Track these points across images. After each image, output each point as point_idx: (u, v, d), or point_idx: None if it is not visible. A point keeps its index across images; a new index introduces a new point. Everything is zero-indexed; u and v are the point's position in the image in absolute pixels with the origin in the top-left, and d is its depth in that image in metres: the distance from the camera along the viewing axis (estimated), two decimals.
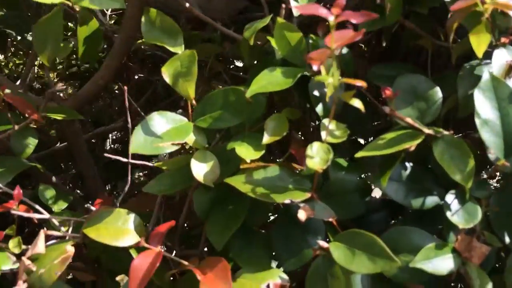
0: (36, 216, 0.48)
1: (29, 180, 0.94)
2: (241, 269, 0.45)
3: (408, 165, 0.47)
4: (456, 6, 0.43)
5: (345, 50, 0.55)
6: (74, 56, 1.19)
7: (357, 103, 0.40)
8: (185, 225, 0.67)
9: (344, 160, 0.53)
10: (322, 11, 0.36)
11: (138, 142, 0.46)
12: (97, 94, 0.76)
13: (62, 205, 0.66)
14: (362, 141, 0.63)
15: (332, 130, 0.44)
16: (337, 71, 0.39)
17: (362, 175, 0.51)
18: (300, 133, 0.63)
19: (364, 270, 0.41)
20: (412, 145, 0.43)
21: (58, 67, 1.20)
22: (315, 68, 0.35)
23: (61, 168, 1.32)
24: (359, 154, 0.43)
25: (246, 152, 0.47)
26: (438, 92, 0.48)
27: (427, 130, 0.44)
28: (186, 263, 0.43)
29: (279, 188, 0.45)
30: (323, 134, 0.44)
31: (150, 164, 0.54)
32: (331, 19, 0.36)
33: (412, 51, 0.64)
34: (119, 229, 0.48)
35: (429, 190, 0.46)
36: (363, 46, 0.70)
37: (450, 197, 0.44)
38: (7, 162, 0.61)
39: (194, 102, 0.48)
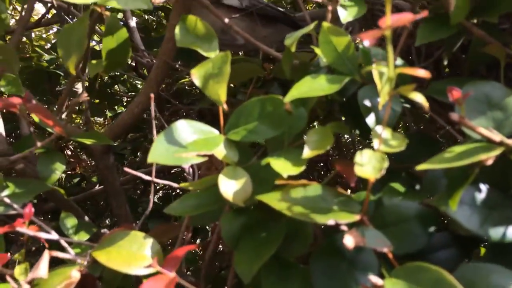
0: (43, 236, 0.43)
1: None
2: None
3: (484, 187, 0.38)
4: None
5: (399, 62, 0.48)
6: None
7: (419, 97, 0.33)
8: (217, 264, 0.60)
9: (401, 186, 0.44)
10: None
11: (158, 151, 0.40)
12: (133, 123, 0.72)
13: (83, 237, 0.61)
14: None
15: (386, 139, 0.37)
16: (392, 59, 0.32)
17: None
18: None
19: None
20: (489, 157, 0.34)
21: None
22: (366, 43, 0.29)
23: (99, 210, 1.29)
24: (421, 167, 0.35)
25: (283, 166, 0.40)
26: None
27: (508, 141, 0.35)
28: None
29: (321, 208, 0.37)
30: (376, 142, 0.36)
31: (175, 184, 0.48)
32: None
33: (480, 70, 0.56)
34: (133, 254, 0.41)
35: (511, 219, 0.37)
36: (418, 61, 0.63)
37: None
38: (28, 184, 0.57)
39: (225, 106, 0.42)
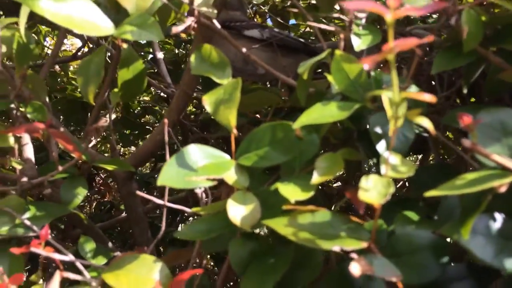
0: (57, 257, 0.43)
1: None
2: None
3: (500, 216, 0.37)
4: None
5: (414, 89, 0.48)
6: None
7: (425, 122, 0.32)
8: None
9: (415, 214, 0.43)
10: (376, 7, 0.30)
11: (169, 174, 0.41)
12: (155, 150, 0.74)
13: (101, 261, 0.61)
14: None
15: (395, 165, 0.36)
16: (398, 87, 0.32)
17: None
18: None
19: None
20: (502, 184, 0.33)
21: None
22: (366, 67, 0.29)
23: (125, 238, 1.31)
24: (431, 193, 0.34)
25: (291, 191, 0.40)
26: None
27: None
28: None
29: (328, 235, 0.36)
30: (383, 168, 0.35)
31: (187, 209, 0.48)
32: (388, 16, 0.30)
33: (504, 98, 0.55)
34: (142, 277, 0.41)
35: None
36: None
37: None
38: (48, 207, 0.59)
39: (235, 131, 0.42)
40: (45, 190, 0.74)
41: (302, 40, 0.78)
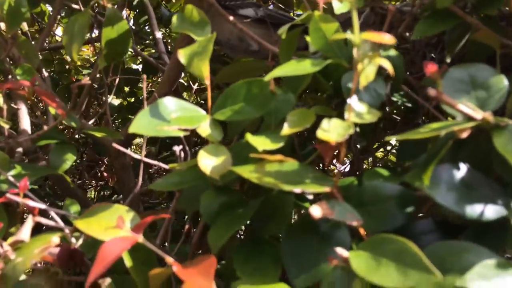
0: (31, 204, 0.44)
1: None
2: (238, 279, 0.36)
3: (464, 166, 0.37)
4: None
5: (393, 53, 0.48)
6: None
7: (385, 63, 0.32)
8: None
9: (386, 171, 0.43)
10: None
11: (141, 122, 0.41)
12: None
13: None
14: None
15: (360, 112, 0.36)
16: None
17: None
18: None
19: (390, 283, 0.30)
20: (462, 128, 0.33)
21: None
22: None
23: None
24: (389, 138, 0.34)
25: (260, 142, 0.40)
26: (503, 80, 0.38)
27: (485, 114, 0.34)
28: (168, 257, 0.35)
29: (293, 181, 0.37)
30: (346, 114, 0.36)
31: (164, 165, 0.49)
32: None
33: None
34: (113, 224, 0.42)
35: (490, 198, 0.35)
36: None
37: None
38: (35, 167, 0.60)
39: (207, 82, 0.43)
40: (40, 162, 0.76)
41: (295, 17, 0.78)
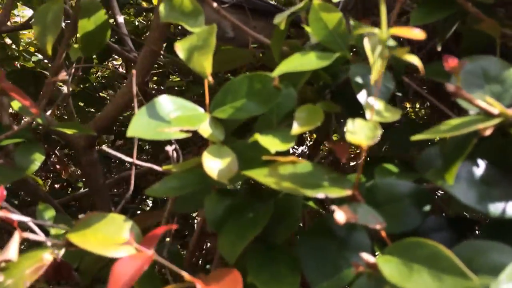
0: (15, 218, 0.40)
1: None
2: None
3: (483, 163, 0.36)
4: None
5: (392, 43, 0.47)
6: None
7: (414, 59, 0.31)
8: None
9: (394, 166, 0.42)
10: None
11: (139, 124, 0.38)
12: (117, 115, 0.70)
13: (61, 230, 0.57)
14: None
15: (379, 110, 0.35)
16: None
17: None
18: None
19: None
20: (487, 126, 0.33)
21: None
22: None
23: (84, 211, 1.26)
24: (416, 137, 0.33)
25: (271, 142, 0.38)
26: None
27: (508, 111, 0.34)
28: (185, 273, 0.32)
29: (311, 184, 0.35)
30: (368, 114, 0.34)
31: (157, 167, 0.45)
32: None
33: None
34: (111, 237, 0.39)
35: (510, 195, 0.35)
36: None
37: None
38: (2, 171, 0.54)
39: (210, 79, 0.40)
40: None
41: (273, 3, 0.76)
